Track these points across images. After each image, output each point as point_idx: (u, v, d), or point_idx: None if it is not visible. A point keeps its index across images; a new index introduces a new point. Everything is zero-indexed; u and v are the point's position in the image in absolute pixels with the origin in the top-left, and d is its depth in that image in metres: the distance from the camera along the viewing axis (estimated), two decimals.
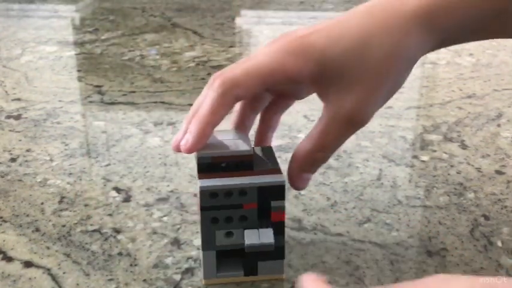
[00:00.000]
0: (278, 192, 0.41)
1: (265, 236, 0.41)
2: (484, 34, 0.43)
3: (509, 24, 0.41)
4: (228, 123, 0.46)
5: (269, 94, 0.47)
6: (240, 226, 0.42)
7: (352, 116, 0.41)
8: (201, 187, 0.41)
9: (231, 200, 0.41)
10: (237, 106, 0.47)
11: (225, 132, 0.45)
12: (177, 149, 0.43)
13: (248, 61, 0.41)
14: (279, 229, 0.42)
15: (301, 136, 0.66)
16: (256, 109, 0.47)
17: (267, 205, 0.42)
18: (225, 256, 0.44)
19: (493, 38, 0.44)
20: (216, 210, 0.41)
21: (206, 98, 0.41)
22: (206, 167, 0.42)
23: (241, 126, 0.47)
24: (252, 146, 0.44)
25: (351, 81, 0.40)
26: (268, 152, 0.45)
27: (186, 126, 0.43)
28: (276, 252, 0.43)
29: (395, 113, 0.73)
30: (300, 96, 0.47)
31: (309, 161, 0.43)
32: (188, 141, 0.41)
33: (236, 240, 0.42)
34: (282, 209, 0.42)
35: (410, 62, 0.41)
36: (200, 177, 0.42)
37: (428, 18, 0.40)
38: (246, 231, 0.42)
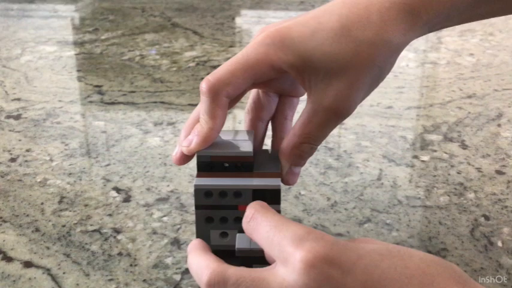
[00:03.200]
0: (273, 196, 0.41)
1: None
2: (471, 16, 0.42)
3: (495, 4, 0.41)
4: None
5: (272, 100, 0.47)
6: (235, 227, 0.42)
7: (334, 106, 0.40)
8: (195, 185, 0.41)
9: (226, 201, 0.41)
10: (246, 119, 0.47)
11: (231, 133, 0.45)
12: (179, 161, 0.43)
13: (232, 59, 0.41)
14: None
15: None
16: (262, 117, 0.47)
17: None
18: (221, 256, 0.44)
19: (481, 19, 0.43)
20: (211, 209, 0.41)
21: (201, 105, 0.42)
22: (206, 166, 0.42)
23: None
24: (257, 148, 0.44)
25: (332, 71, 0.40)
26: (275, 155, 0.45)
27: (183, 137, 0.43)
28: None
29: (396, 113, 0.73)
30: (296, 91, 0.46)
31: (296, 154, 0.43)
32: (191, 142, 0.41)
33: (231, 241, 0.42)
34: None
35: (394, 50, 0.40)
36: (198, 176, 0.42)
37: (410, 4, 0.39)
38: (238, 235, 0.41)
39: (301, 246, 0.31)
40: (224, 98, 0.41)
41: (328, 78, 0.40)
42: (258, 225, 0.35)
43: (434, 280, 0.30)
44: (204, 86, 0.41)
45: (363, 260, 0.31)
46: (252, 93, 0.46)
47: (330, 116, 0.41)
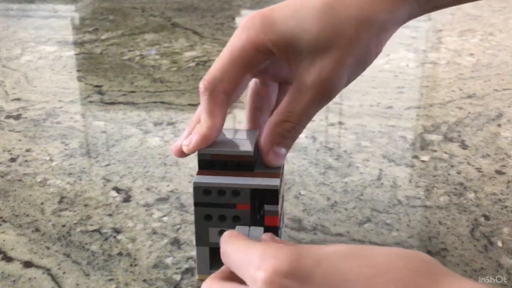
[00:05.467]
0: (271, 196, 0.41)
1: (255, 234, 0.41)
2: None
3: None
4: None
5: (273, 90, 0.46)
6: (233, 226, 0.42)
7: (317, 85, 0.39)
8: (194, 182, 0.41)
9: (224, 199, 0.41)
10: (245, 109, 0.47)
11: (234, 132, 0.45)
12: (178, 154, 0.43)
13: (221, 53, 0.41)
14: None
15: (302, 136, 0.66)
16: (262, 108, 0.46)
17: (260, 208, 0.42)
18: (219, 254, 0.44)
19: (470, 1, 0.42)
20: (210, 207, 0.42)
21: (201, 104, 0.42)
22: (207, 164, 0.42)
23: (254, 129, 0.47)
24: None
25: (315, 49, 0.39)
26: None
27: (187, 133, 0.43)
28: None
29: (396, 113, 0.73)
30: (291, 76, 0.46)
31: (277, 132, 0.42)
32: (191, 141, 0.42)
33: None
34: (275, 214, 0.41)
35: (379, 29, 0.39)
36: (198, 173, 0.42)
37: None
38: (237, 227, 0.42)
39: (261, 265, 0.31)
40: (222, 96, 0.41)
41: (311, 57, 0.39)
42: (228, 255, 0.36)
43: (401, 275, 0.29)
44: (201, 86, 0.41)
45: (321, 265, 0.30)
46: (250, 84, 0.46)
47: (313, 95, 0.40)
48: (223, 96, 0.41)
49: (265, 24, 0.39)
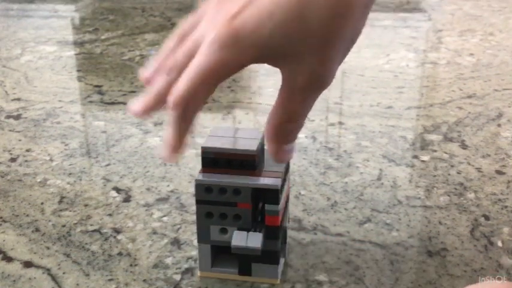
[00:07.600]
0: (272, 195, 0.41)
1: (253, 240, 0.41)
2: None
3: None
4: None
5: None
6: (234, 224, 0.42)
7: (310, 82, 0.39)
8: (196, 180, 0.42)
9: (225, 197, 0.41)
10: None
11: (239, 130, 0.45)
12: (140, 113, 0.42)
13: (192, 69, 0.39)
14: (272, 233, 0.42)
15: (302, 136, 0.66)
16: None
17: (261, 207, 0.42)
18: (223, 252, 0.44)
19: None
20: (211, 205, 0.42)
21: (169, 118, 0.40)
22: (210, 162, 0.42)
23: None
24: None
25: (300, 51, 0.37)
26: None
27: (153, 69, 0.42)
28: (269, 256, 0.43)
29: (396, 113, 0.73)
30: None
31: (282, 134, 0.41)
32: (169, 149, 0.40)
33: (230, 237, 0.42)
34: (276, 214, 0.41)
35: (361, 11, 0.37)
36: (201, 171, 0.42)
37: None
38: (236, 232, 0.42)
39: None
40: (190, 113, 0.39)
41: (297, 58, 0.38)
42: None
43: None
44: (171, 100, 0.39)
45: None
46: None
47: (307, 92, 0.39)
48: (193, 113, 0.39)
49: (238, 41, 0.37)
